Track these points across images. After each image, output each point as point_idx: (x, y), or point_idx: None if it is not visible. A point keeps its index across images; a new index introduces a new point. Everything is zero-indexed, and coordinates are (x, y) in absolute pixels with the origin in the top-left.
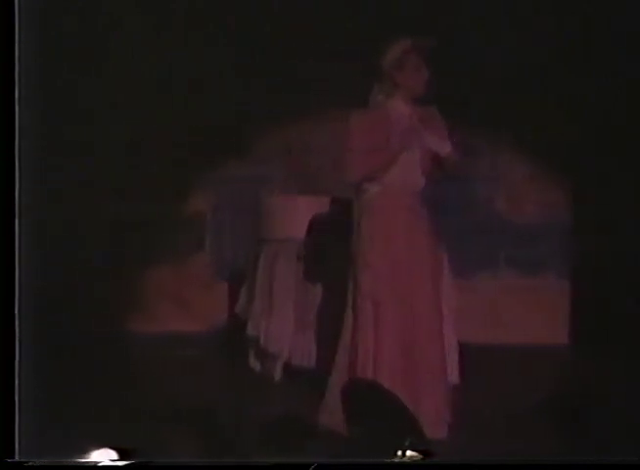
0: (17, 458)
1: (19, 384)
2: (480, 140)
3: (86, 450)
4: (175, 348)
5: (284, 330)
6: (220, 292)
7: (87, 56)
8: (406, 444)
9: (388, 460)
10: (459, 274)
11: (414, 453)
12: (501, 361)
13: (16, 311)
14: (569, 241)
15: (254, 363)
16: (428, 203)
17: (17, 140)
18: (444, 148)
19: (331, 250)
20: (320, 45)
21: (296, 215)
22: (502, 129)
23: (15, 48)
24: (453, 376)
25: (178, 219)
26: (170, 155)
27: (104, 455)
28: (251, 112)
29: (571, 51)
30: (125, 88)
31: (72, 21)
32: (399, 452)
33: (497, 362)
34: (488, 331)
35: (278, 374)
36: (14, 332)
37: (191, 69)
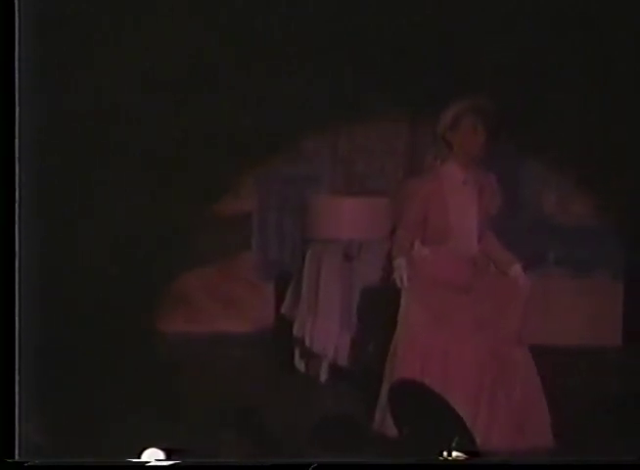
0: (17, 458)
1: (19, 384)
2: (528, 144)
3: (90, 451)
4: (221, 348)
5: (329, 330)
6: (267, 292)
7: (88, 56)
8: (453, 444)
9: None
10: None
11: (460, 454)
12: (551, 363)
13: (16, 311)
14: (622, 242)
15: (300, 364)
16: None
17: (17, 140)
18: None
19: (378, 249)
20: (374, 47)
21: (342, 216)
22: (550, 133)
23: (15, 48)
24: None
25: (224, 219)
26: (216, 154)
27: (151, 455)
28: (299, 111)
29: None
30: (162, 85)
31: (72, 20)
32: (445, 453)
33: (547, 364)
34: (539, 332)
35: (324, 375)
36: (14, 332)
37: (239, 67)
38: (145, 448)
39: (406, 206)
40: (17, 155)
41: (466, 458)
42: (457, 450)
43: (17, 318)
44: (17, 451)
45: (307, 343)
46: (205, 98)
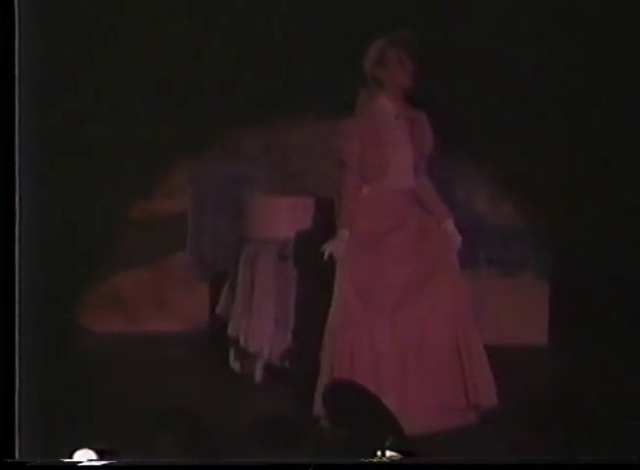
0: (17, 458)
1: (19, 384)
2: (460, 141)
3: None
4: (156, 348)
5: (264, 330)
6: (201, 292)
7: (86, 55)
8: (387, 444)
9: (367, 460)
10: None
11: (394, 453)
12: None
13: (16, 311)
14: (548, 241)
15: (235, 364)
16: None
17: (17, 140)
18: (428, 148)
19: (313, 250)
20: (304, 45)
21: (277, 215)
22: (483, 130)
23: (15, 48)
24: None
25: (159, 219)
26: (151, 154)
27: (84, 456)
28: (233, 111)
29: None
30: (106, 88)
31: (72, 20)
32: (379, 453)
33: None
34: None
35: (259, 374)
36: (14, 332)
37: (176, 68)
38: (77, 449)
39: (347, 147)
40: (17, 154)
41: (400, 458)
42: (391, 450)
43: (16, 318)
44: (17, 451)
45: (242, 343)
46: (141, 98)
